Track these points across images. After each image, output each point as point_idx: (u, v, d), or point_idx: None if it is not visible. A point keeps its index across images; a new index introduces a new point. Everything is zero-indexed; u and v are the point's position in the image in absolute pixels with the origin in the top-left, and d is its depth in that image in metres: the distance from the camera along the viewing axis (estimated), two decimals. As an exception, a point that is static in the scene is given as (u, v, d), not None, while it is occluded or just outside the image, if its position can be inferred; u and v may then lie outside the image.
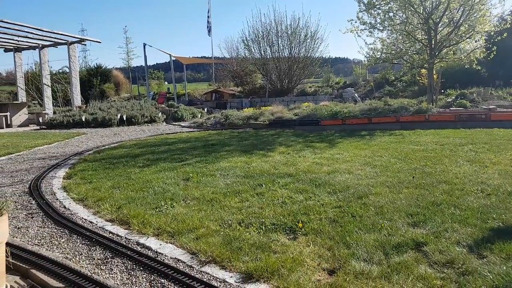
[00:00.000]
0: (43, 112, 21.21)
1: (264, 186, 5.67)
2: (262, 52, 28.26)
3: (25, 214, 4.99)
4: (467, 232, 3.66)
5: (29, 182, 6.67)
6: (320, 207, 4.63)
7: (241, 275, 3.13)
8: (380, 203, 4.63)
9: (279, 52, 27.94)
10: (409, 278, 2.93)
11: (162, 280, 3.12)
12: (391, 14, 15.09)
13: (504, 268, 2.98)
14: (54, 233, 4.27)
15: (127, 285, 3.10)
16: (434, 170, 6.24)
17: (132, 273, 3.27)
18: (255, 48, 28.54)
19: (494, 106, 14.79)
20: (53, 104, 23.65)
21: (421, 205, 4.51)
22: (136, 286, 3.08)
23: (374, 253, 3.34)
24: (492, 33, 14.72)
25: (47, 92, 22.50)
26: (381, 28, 15.40)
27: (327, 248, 3.50)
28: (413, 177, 5.81)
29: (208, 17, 40.72)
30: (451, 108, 14.99)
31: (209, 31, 40.79)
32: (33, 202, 5.53)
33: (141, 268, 3.33)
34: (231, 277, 3.13)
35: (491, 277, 2.87)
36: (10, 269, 3.29)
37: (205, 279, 3.09)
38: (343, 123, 13.48)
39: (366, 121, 13.27)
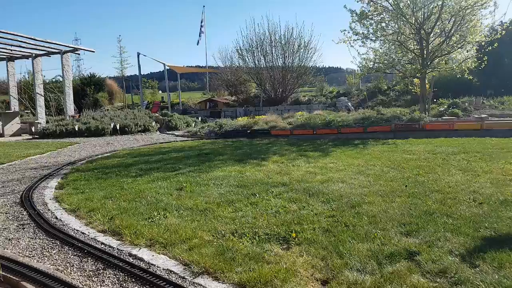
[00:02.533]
0: (36, 121, 21.07)
1: (257, 195, 5.66)
2: (256, 62, 28.42)
3: (17, 225, 4.94)
4: (460, 241, 3.67)
5: (21, 193, 6.62)
6: (313, 216, 4.63)
7: (234, 286, 3.12)
8: (373, 212, 4.64)
9: (273, 62, 28.13)
10: (402, 287, 2.93)
11: (154, 292, 3.09)
12: (383, 24, 15.24)
13: (496, 277, 2.99)
14: (45, 245, 4.22)
15: (118, 297, 3.07)
16: (426, 179, 6.27)
17: (124, 284, 3.24)
18: (249, 58, 28.72)
19: (485, 115, 14.94)
20: (46, 113, 23.49)
21: (414, 214, 4.52)
22: (128, 298, 3.05)
23: (367, 262, 3.34)
24: (483, 43, 14.90)
25: (40, 101, 22.37)
26: (373, 38, 15.55)
27: (320, 258, 3.50)
28: (406, 186, 5.83)
29: (202, 26, 41.03)
30: (444, 117, 15.11)
31: (198, 42, 41.69)
32: (25, 213, 5.48)
33: (133, 280, 3.30)
34: (224, 288, 3.11)
35: (483, 286, 2.88)
36: (1, 282, 3.25)
37: (197, 291, 3.06)
38: (290, 134, 14.39)
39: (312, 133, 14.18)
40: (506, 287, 2.87)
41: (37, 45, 20.82)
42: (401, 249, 3.55)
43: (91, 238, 4.37)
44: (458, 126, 12.64)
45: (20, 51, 22.19)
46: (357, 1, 14.77)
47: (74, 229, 4.70)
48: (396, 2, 14.12)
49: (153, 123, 20.39)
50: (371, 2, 14.69)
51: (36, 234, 4.58)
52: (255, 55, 28.29)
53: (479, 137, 11.39)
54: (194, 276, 3.32)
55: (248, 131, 15.13)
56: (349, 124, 13.90)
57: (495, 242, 3.63)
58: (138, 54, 30.23)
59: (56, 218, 5.18)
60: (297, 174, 7.10)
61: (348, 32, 15.42)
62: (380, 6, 14.74)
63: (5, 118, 20.28)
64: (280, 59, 28.02)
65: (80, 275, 3.45)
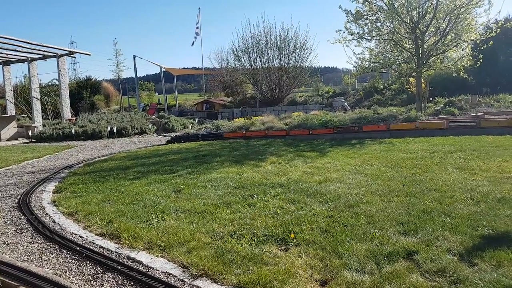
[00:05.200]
0: (33, 125, 21.04)
1: (255, 196, 5.66)
2: (252, 63, 28.46)
3: (14, 230, 4.92)
4: (458, 240, 3.68)
5: (18, 197, 6.60)
6: (311, 217, 4.63)
7: (233, 288, 3.11)
8: (371, 212, 4.65)
9: (269, 62, 28.18)
10: (401, 287, 2.93)
11: (154, 295, 3.08)
12: (378, 24, 15.27)
13: (495, 275, 3.00)
14: (43, 249, 4.21)
15: (118, 301, 3.06)
16: (424, 178, 6.29)
17: (123, 288, 3.23)
18: (245, 59, 28.76)
19: (481, 113, 14.98)
20: (42, 117, 23.48)
21: (412, 213, 4.53)
22: (127, 301, 3.04)
23: (366, 262, 3.34)
24: (478, 42, 14.96)
25: (37, 105, 22.34)
26: (369, 38, 15.57)
27: (319, 259, 3.50)
28: (404, 185, 5.84)
29: (197, 28, 41.00)
30: (440, 116, 15.15)
31: (193, 43, 41.83)
32: (23, 217, 5.46)
33: (132, 283, 3.30)
34: (223, 290, 3.11)
35: (482, 285, 2.89)
36: (-1, 287, 3.24)
37: (197, 293, 3.06)
38: (243, 135, 14.85)
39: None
40: (505, 285, 2.88)
41: (33, 49, 20.81)
42: (400, 249, 3.56)
43: (90, 241, 4.36)
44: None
45: (16, 55, 22.17)
46: (352, 1, 14.78)
47: (72, 233, 4.69)
48: (390, 2, 14.14)
49: (150, 126, 20.37)
50: (366, 2, 14.69)
51: (34, 239, 4.57)
52: (251, 56, 28.37)
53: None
54: (193, 279, 3.31)
55: (200, 136, 15.60)
56: (345, 124, 13.93)
57: (493, 240, 3.64)
58: (134, 57, 30.27)
59: (54, 222, 5.17)
60: (295, 174, 7.10)
61: (344, 32, 15.44)
62: (375, 5, 14.75)
63: (2, 122, 20.22)
64: (276, 60, 28.11)
65: (79, 279, 3.44)
